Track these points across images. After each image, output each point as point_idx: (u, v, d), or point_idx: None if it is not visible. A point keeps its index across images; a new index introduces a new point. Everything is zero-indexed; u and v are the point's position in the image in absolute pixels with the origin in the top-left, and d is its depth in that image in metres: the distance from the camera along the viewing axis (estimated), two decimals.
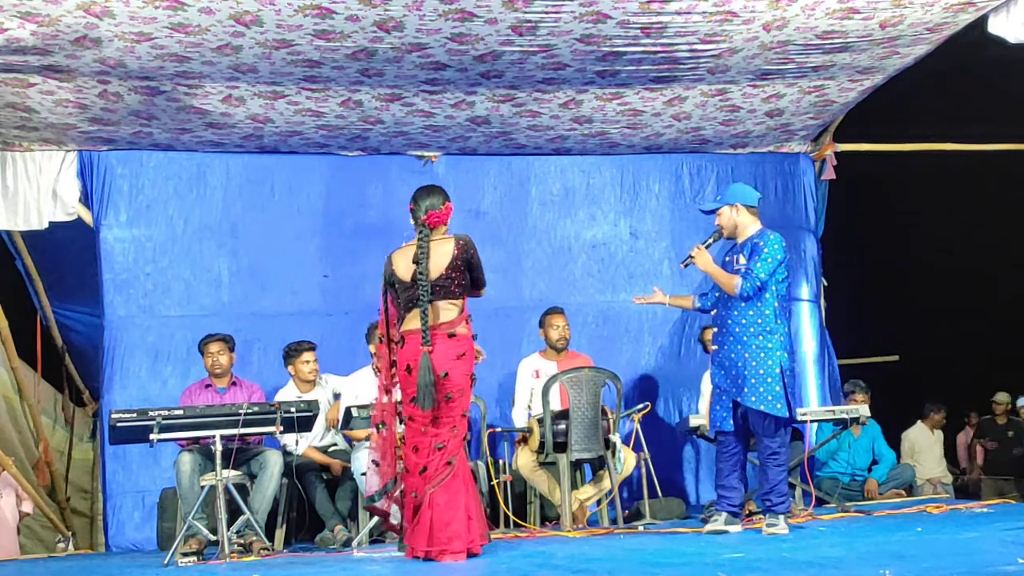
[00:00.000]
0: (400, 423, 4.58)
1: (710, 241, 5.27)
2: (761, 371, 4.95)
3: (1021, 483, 9.02)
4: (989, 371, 9.74)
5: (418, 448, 4.47)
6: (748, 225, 5.20)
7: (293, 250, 7.23)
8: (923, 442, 8.72)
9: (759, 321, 5.01)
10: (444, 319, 4.50)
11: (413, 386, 4.44)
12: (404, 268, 4.58)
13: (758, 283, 5.01)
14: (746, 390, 4.95)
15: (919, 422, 8.86)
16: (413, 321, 4.52)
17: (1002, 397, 9.68)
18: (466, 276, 4.58)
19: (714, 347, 5.19)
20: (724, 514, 5.12)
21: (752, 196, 5.28)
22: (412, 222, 4.66)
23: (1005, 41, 5.60)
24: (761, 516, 5.75)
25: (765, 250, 5.05)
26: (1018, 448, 9.50)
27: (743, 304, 5.04)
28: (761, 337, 4.99)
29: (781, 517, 4.98)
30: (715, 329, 5.20)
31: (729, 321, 5.08)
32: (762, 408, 4.92)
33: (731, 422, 5.05)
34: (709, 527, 5.10)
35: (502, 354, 6.87)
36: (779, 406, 4.93)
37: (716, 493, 5.32)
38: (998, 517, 5.11)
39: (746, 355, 4.99)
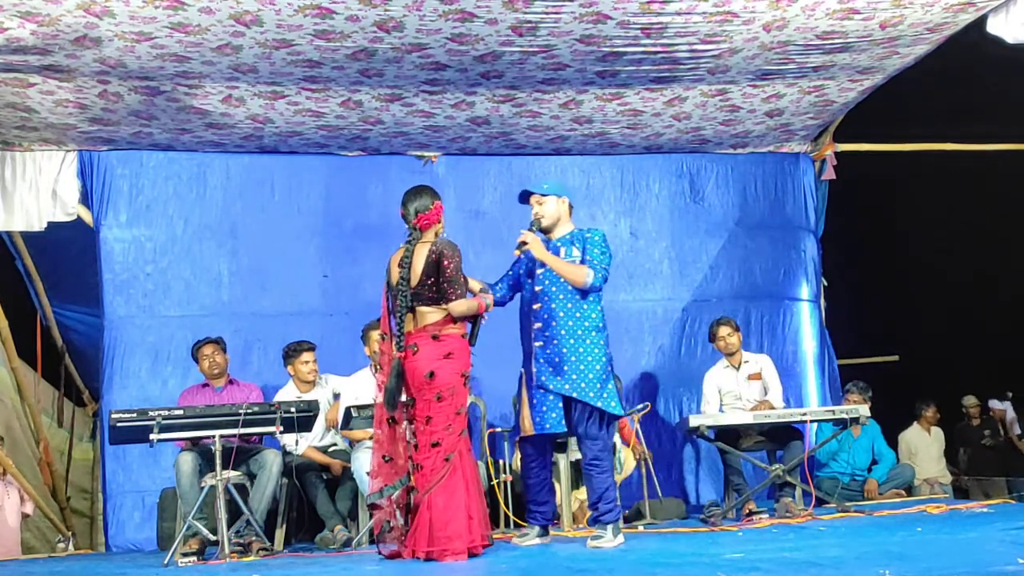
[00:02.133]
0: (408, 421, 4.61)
1: (534, 228, 4.95)
2: (597, 367, 4.75)
3: (1008, 482, 9.04)
4: (989, 371, 9.74)
5: (419, 446, 4.51)
6: (566, 221, 5.03)
7: (293, 250, 7.24)
8: (919, 443, 8.71)
9: (593, 316, 4.83)
10: (428, 321, 4.54)
11: (407, 387, 4.54)
12: (394, 271, 4.64)
13: (606, 275, 4.86)
14: (584, 385, 4.72)
15: (915, 423, 8.87)
16: (407, 324, 4.58)
17: (970, 400, 9.68)
18: (439, 283, 4.53)
19: (538, 343, 4.83)
20: (536, 528, 4.90)
21: (571, 193, 5.17)
22: (407, 226, 4.69)
23: (1004, 41, 5.61)
24: (761, 516, 5.77)
25: (602, 244, 4.90)
26: (993, 439, 9.52)
27: (579, 298, 4.82)
28: (595, 333, 4.81)
29: (610, 527, 4.72)
30: (538, 324, 4.85)
31: (562, 314, 4.80)
32: (599, 405, 4.72)
33: (564, 422, 4.79)
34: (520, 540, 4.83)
35: (502, 354, 6.86)
36: (613, 404, 4.78)
37: (528, 507, 5.01)
38: (998, 517, 5.11)
39: (580, 350, 4.75)
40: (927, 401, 8.92)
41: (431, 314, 4.55)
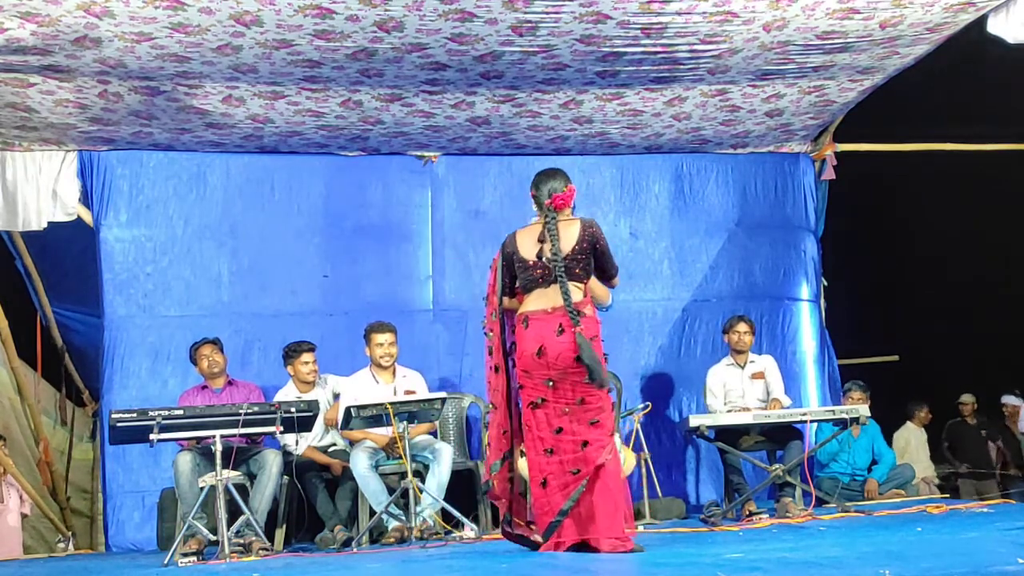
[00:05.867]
0: (516, 405, 4.48)
1: None
2: None
3: (1002, 481, 9.05)
4: (989, 371, 9.74)
5: (562, 429, 4.32)
6: None
7: (293, 250, 7.24)
8: (915, 441, 8.73)
9: None
10: (574, 299, 4.34)
11: (544, 368, 4.33)
12: (528, 247, 4.46)
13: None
14: None
15: (908, 422, 8.85)
16: (537, 302, 4.40)
17: (967, 398, 9.67)
18: (590, 260, 4.43)
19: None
20: None
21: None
22: (535, 207, 4.56)
23: (1004, 41, 5.60)
24: (761, 516, 5.77)
25: None
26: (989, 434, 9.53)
27: None
28: None
29: None
30: None
31: None
32: None
33: None
34: None
35: None
36: None
37: None
38: (998, 517, 5.11)
39: None
40: (922, 403, 8.93)
41: (575, 292, 4.37)
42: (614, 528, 4.22)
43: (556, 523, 4.29)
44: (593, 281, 4.59)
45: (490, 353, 4.58)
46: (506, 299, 4.59)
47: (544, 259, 4.38)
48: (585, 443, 4.28)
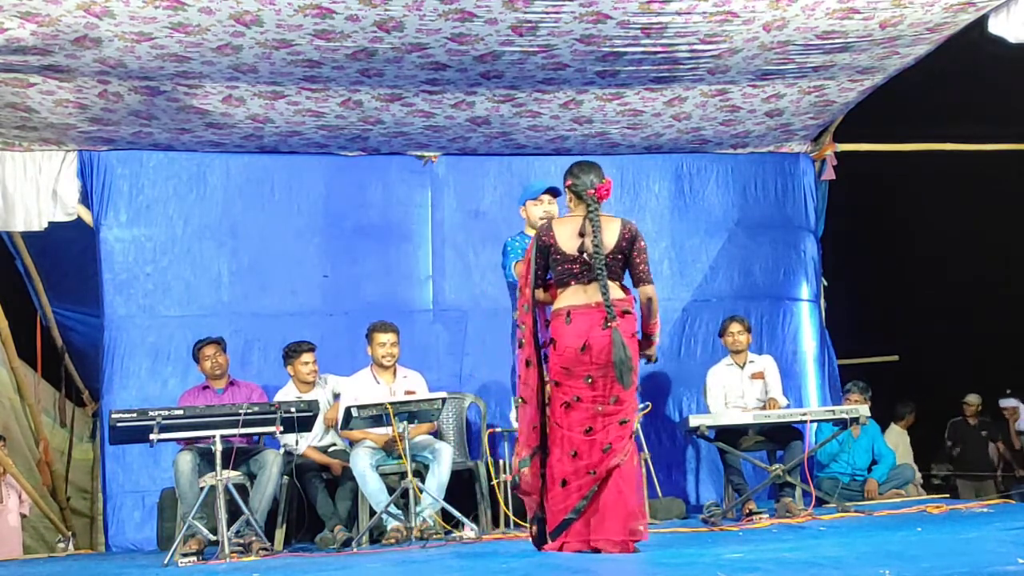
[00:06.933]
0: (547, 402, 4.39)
1: None
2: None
3: (999, 482, 9.05)
4: (989, 371, 9.74)
5: (592, 429, 4.26)
6: None
7: (293, 250, 7.24)
8: (902, 445, 8.73)
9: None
10: (615, 296, 4.29)
11: (586, 365, 4.25)
12: (568, 240, 4.34)
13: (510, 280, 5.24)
14: None
15: (893, 425, 8.83)
16: (578, 296, 4.33)
17: (972, 399, 9.67)
18: (627, 260, 4.37)
19: None
20: None
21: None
22: (570, 196, 4.46)
23: (1005, 41, 5.60)
24: (761, 516, 5.77)
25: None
26: (990, 434, 9.54)
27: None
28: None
29: None
30: None
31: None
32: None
33: None
34: None
35: (502, 353, 6.86)
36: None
37: None
38: (998, 517, 5.11)
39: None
40: (910, 406, 8.93)
41: (615, 290, 4.32)
42: (620, 531, 4.21)
43: (569, 520, 4.27)
44: None
45: (521, 346, 4.48)
46: (539, 292, 4.50)
47: (585, 254, 4.30)
48: (609, 447, 4.24)
